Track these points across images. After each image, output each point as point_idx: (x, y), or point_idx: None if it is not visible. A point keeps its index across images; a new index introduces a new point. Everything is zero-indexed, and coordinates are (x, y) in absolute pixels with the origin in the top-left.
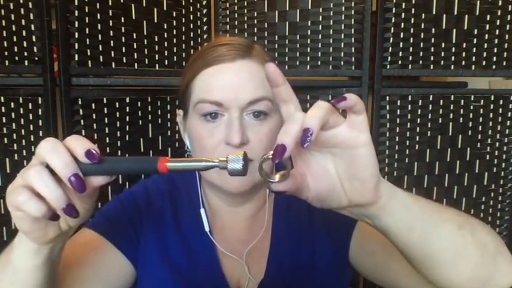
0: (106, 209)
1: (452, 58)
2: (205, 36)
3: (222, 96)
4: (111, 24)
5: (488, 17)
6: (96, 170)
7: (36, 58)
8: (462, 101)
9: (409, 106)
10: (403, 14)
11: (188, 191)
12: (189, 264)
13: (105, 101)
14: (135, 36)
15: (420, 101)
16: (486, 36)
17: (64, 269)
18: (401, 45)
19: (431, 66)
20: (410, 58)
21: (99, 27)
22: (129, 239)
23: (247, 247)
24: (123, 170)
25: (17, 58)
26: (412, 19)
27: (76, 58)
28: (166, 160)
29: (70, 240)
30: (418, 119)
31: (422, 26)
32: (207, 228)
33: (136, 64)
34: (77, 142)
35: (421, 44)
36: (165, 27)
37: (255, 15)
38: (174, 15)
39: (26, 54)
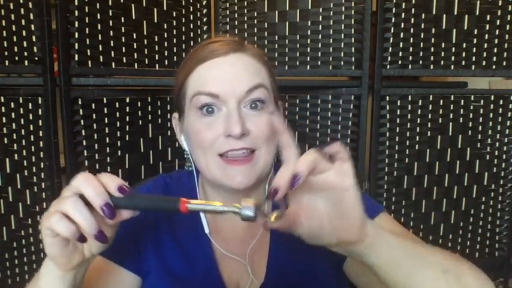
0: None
1: (452, 58)
2: (205, 36)
3: (218, 88)
4: (111, 24)
5: (488, 17)
6: (125, 204)
7: (36, 58)
8: (462, 101)
9: (409, 106)
10: (403, 14)
11: (184, 195)
12: (185, 268)
13: (105, 101)
14: (135, 36)
15: (420, 101)
16: (486, 36)
17: None
18: (401, 45)
19: (431, 66)
20: (410, 58)
21: (99, 27)
22: (132, 255)
23: (247, 247)
24: (148, 206)
25: (17, 58)
26: (412, 19)
27: (76, 58)
28: (187, 202)
29: None
30: (418, 119)
31: (422, 26)
32: (206, 230)
33: (136, 64)
34: (110, 178)
35: (421, 44)
36: (165, 27)
37: (255, 15)
38: (174, 15)
39: (26, 54)
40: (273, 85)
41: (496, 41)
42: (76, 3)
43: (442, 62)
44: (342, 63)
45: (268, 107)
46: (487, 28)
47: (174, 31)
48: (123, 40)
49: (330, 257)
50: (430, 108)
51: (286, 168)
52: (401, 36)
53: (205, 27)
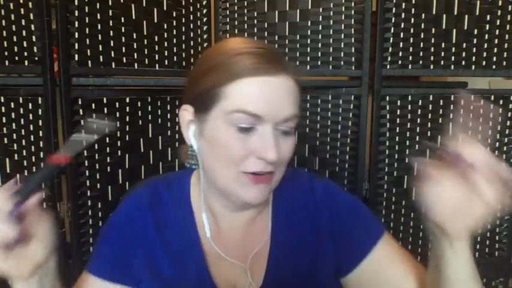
0: (97, 250)
1: (452, 58)
2: (205, 36)
3: (263, 109)
4: (111, 24)
5: (488, 17)
6: (22, 198)
7: (36, 58)
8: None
9: (409, 106)
10: (403, 14)
11: (176, 203)
12: (177, 273)
13: (105, 101)
14: (135, 36)
15: (420, 101)
16: (486, 36)
17: None
18: (401, 45)
19: (431, 66)
20: (410, 58)
21: (99, 27)
22: (122, 269)
23: (247, 251)
24: (34, 184)
25: (17, 58)
26: (412, 19)
27: (76, 58)
28: (57, 155)
29: None
30: (418, 119)
31: (422, 26)
32: (208, 234)
33: (136, 64)
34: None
35: (421, 44)
36: (165, 27)
37: (255, 15)
38: (174, 15)
39: (26, 54)
40: (300, 105)
41: (496, 41)
42: (76, 3)
43: (442, 62)
44: (342, 63)
45: (293, 132)
46: (487, 28)
47: (174, 31)
48: (123, 40)
49: (332, 265)
50: (430, 108)
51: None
52: (401, 36)
53: (205, 27)
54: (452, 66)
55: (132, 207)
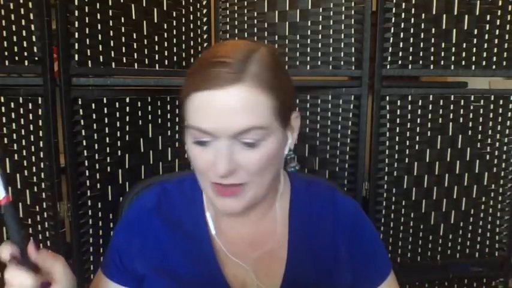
0: (109, 249)
1: (452, 58)
2: (205, 36)
3: (209, 125)
4: (111, 24)
5: (488, 17)
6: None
7: (36, 58)
8: (462, 101)
9: (409, 106)
10: (403, 14)
11: (188, 201)
12: (189, 269)
13: (105, 101)
14: (135, 36)
15: (420, 101)
16: (486, 36)
17: None
18: (401, 45)
19: (431, 66)
20: (410, 58)
21: (99, 27)
22: (131, 274)
23: (255, 251)
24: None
25: (17, 58)
26: (412, 19)
27: (76, 58)
28: None
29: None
30: (418, 119)
31: (422, 26)
32: (213, 231)
33: (136, 64)
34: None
35: (421, 44)
36: (165, 27)
37: (255, 15)
38: (174, 15)
39: (26, 54)
40: (280, 111)
41: (496, 41)
42: (76, 3)
43: (442, 62)
44: (342, 63)
45: (266, 140)
46: (487, 28)
47: (174, 31)
48: (123, 40)
49: (347, 283)
50: (430, 108)
51: None
52: (401, 36)
53: (205, 27)
54: (452, 66)
55: (138, 210)
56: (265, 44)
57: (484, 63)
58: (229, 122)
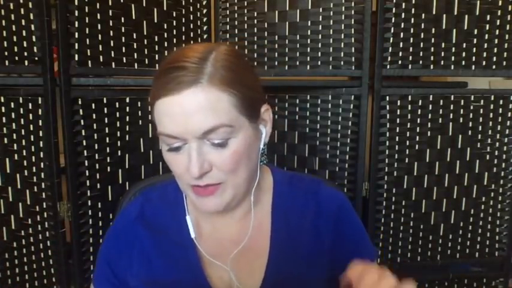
0: (99, 263)
1: (452, 58)
2: (205, 36)
3: (175, 129)
4: (111, 24)
5: (488, 17)
6: None
7: (36, 58)
8: (462, 101)
9: (409, 106)
10: (403, 14)
11: (171, 205)
12: (172, 275)
13: (105, 101)
14: (135, 36)
15: (420, 101)
16: (486, 36)
17: None
18: (401, 45)
19: (431, 66)
20: (410, 58)
21: (99, 27)
22: (116, 286)
23: (235, 247)
24: None
25: (17, 58)
26: (412, 19)
27: (76, 58)
28: None
29: None
30: (418, 119)
31: (422, 26)
32: (193, 235)
33: (136, 64)
34: None
35: (421, 44)
36: (165, 27)
37: (255, 15)
38: (174, 15)
39: (26, 54)
40: (245, 106)
41: (496, 41)
42: (76, 3)
43: (442, 62)
44: (342, 63)
45: (235, 137)
46: (487, 28)
47: (174, 31)
48: (123, 40)
49: (327, 274)
50: (430, 108)
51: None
52: (401, 36)
53: (205, 27)
54: (452, 66)
55: (122, 222)
56: (224, 43)
57: (484, 63)
58: (192, 124)
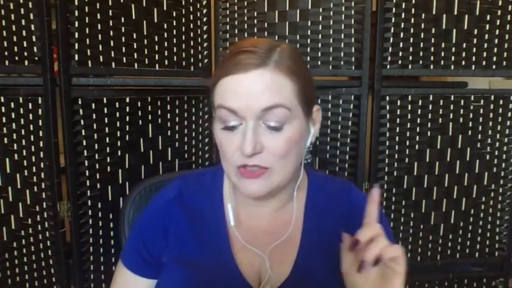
0: (129, 241)
1: (452, 58)
2: (205, 36)
3: (236, 103)
4: (111, 24)
5: (488, 17)
6: None
7: (36, 58)
8: (462, 101)
9: (409, 106)
10: (403, 14)
11: (208, 193)
12: (204, 258)
13: (105, 101)
14: (135, 36)
15: (420, 101)
16: (486, 36)
17: None
18: (401, 45)
19: (431, 66)
20: (410, 58)
21: (99, 27)
22: (151, 264)
23: (270, 240)
24: None
25: (17, 58)
26: (412, 19)
27: (76, 58)
28: None
29: (115, 281)
30: (418, 119)
31: (422, 26)
32: (232, 223)
33: (136, 64)
34: None
35: (421, 44)
36: (165, 27)
37: (255, 15)
38: (174, 15)
39: (26, 54)
40: (302, 97)
41: (496, 41)
42: (76, 3)
43: (442, 62)
44: (342, 63)
45: (290, 124)
46: (487, 28)
47: (174, 31)
48: (123, 40)
49: None
50: (430, 108)
51: (369, 230)
52: (401, 36)
53: (205, 27)
54: (452, 66)
55: (161, 202)
56: (287, 43)
57: (484, 63)
58: (254, 101)
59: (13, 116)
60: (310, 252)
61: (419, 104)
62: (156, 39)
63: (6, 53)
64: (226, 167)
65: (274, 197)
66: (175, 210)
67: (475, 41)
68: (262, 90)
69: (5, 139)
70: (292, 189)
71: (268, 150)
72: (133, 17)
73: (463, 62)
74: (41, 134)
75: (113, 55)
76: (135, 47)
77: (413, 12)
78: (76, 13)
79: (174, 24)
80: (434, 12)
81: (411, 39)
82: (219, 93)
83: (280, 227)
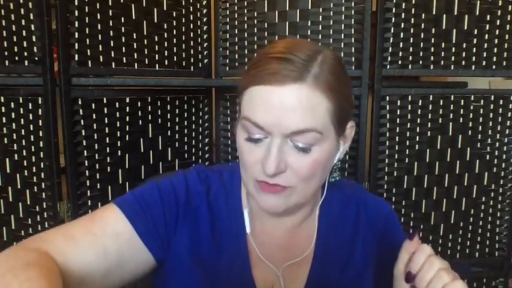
0: (140, 193)
1: (452, 58)
2: (205, 36)
3: (264, 120)
4: (111, 24)
5: (488, 17)
6: None
7: (36, 58)
8: (462, 101)
9: (409, 106)
10: (403, 14)
11: (227, 194)
12: (219, 264)
13: (105, 101)
14: (135, 36)
15: (420, 101)
16: (486, 36)
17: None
18: (401, 45)
19: (431, 66)
20: (410, 58)
21: (99, 27)
22: (159, 239)
23: (286, 256)
24: None
25: (17, 58)
26: (412, 19)
27: (76, 58)
28: None
29: (103, 222)
30: (418, 119)
31: (422, 26)
32: (248, 230)
33: (136, 64)
34: None
35: (421, 44)
36: (165, 27)
37: (255, 15)
38: (174, 15)
39: (26, 54)
40: (337, 116)
41: (496, 41)
42: (76, 3)
43: (442, 62)
44: None
45: (319, 145)
46: (487, 28)
47: (174, 31)
48: (123, 40)
49: (378, 277)
50: (430, 108)
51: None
52: (401, 36)
53: (205, 27)
54: (452, 66)
55: (192, 185)
56: (328, 48)
57: (484, 63)
58: (285, 120)
59: (13, 116)
60: (324, 267)
61: (419, 104)
62: (156, 39)
63: (6, 53)
64: (245, 176)
65: (292, 214)
66: (201, 202)
67: (475, 41)
68: (295, 108)
69: (5, 139)
70: (311, 207)
71: (292, 170)
72: (133, 17)
73: (463, 62)
74: (41, 134)
75: (113, 55)
76: (135, 47)
77: (413, 12)
78: (76, 13)
79: (174, 24)
80: (434, 12)
81: (411, 39)
82: (247, 102)
83: (297, 245)
